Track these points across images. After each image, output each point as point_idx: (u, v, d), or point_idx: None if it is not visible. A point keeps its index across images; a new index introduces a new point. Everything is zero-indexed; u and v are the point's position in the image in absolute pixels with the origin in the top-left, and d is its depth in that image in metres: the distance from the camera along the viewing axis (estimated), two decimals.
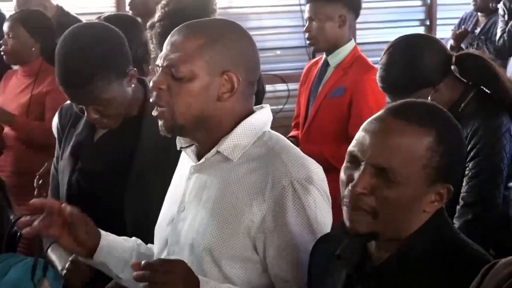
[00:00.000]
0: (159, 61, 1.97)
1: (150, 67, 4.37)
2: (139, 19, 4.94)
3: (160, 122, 1.99)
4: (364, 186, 1.68)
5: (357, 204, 1.69)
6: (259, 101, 3.54)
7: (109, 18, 3.64)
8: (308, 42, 4.04)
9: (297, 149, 2.04)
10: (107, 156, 2.52)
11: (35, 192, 3.75)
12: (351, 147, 1.74)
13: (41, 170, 3.79)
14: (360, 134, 1.73)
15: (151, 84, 1.97)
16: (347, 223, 1.72)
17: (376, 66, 3.11)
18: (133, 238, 2.23)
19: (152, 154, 2.45)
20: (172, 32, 2.00)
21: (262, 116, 2.04)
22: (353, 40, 3.98)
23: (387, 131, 1.69)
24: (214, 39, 1.95)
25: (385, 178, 1.67)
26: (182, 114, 1.95)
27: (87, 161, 2.50)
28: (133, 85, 2.47)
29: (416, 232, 1.72)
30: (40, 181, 3.76)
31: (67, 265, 2.44)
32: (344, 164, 1.75)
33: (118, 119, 2.48)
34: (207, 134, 1.99)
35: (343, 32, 3.89)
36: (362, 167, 1.69)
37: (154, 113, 1.99)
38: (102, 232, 2.13)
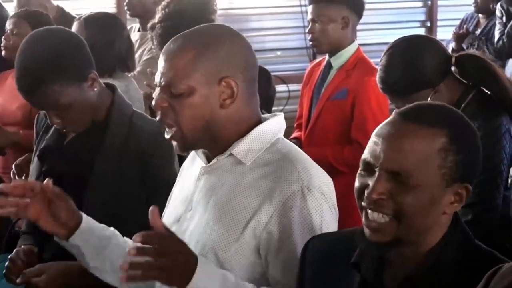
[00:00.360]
0: (156, 79, 1.98)
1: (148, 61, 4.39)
2: (136, 19, 4.99)
3: (174, 144, 2.00)
4: (380, 192, 1.66)
5: (378, 209, 1.67)
6: (271, 103, 3.58)
7: (88, 18, 3.67)
8: (310, 43, 4.02)
9: (310, 159, 2.04)
10: (71, 160, 2.55)
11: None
12: (364, 155, 1.71)
13: (19, 159, 3.80)
14: (372, 140, 1.71)
15: (153, 103, 1.98)
16: (368, 232, 1.70)
17: (377, 68, 3.11)
18: (112, 228, 2.23)
19: (114, 158, 2.47)
20: (163, 49, 2.01)
21: (276, 123, 2.05)
22: (356, 41, 3.96)
23: (398, 135, 1.68)
24: (204, 49, 1.95)
25: (400, 183, 1.65)
26: (190, 130, 1.96)
27: (52, 165, 2.53)
28: (95, 89, 2.48)
29: (443, 240, 1.71)
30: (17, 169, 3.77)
31: (6, 263, 2.48)
32: (358, 172, 1.73)
33: (82, 123, 2.49)
34: (217, 141, 2.01)
35: (346, 33, 3.87)
36: (376, 174, 1.67)
37: (167, 136, 2.00)
38: (84, 215, 2.14)
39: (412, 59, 2.89)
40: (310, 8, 3.93)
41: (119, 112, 2.51)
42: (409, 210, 1.66)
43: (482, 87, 2.97)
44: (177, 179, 2.26)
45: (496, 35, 6.02)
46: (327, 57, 3.98)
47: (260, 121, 2.04)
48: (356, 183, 1.72)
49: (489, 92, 2.97)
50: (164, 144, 2.45)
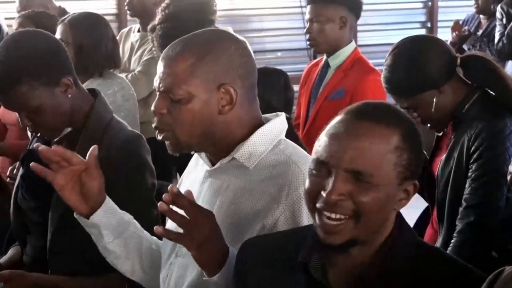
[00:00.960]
0: (155, 84, 1.98)
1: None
2: (137, 20, 4.98)
3: (167, 143, 2.00)
4: (340, 192, 1.64)
5: (336, 210, 1.64)
6: (291, 105, 3.57)
7: (72, 19, 3.70)
8: (308, 43, 4.03)
9: None
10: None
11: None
12: (317, 154, 1.69)
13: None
14: (325, 139, 1.70)
15: (152, 108, 1.97)
16: (323, 233, 1.67)
17: (377, 68, 3.10)
18: (129, 215, 2.21)
19: None
20: (162, 55, 2.00)
21: (278, 124, 2.04)
22: (353, 41, 3.98)
23: (355, 134, 1.67)
24: (204, 55, 1.95)
25: (360, 182, 1.64)
26: (186, 134, 1.96)
27: (28, 169, 2.52)
28: (69, 95, 2.45)
29: (390, 239, 1.70)
30: (14, 171, 3.75)
31: None
32: (309, 172, 1.70)
33: (56, 128, 2.47)
34: (217, 145, 2.00)
35: (343, 33, 3.89)
36: (334, 173, 1.65)
37: (159, 137, 1.99)
38: (107, 196, 2.12)
39: (417, 60, 2.88)
40: (308, 8, 3.95)
41: (96, 118, 2.49)
42: (368, 209, 1.64)
43: (486, 88, 2.96)
44: (180, 181, 2.25)
45: (496, 37, 6.03)
46: (324, 57, 3.99)
47: (261, 123, 2.03)
48: (308, 184, 1.69)
49: (493, 93, 2.96)
50: (134, 155, 2.47)
